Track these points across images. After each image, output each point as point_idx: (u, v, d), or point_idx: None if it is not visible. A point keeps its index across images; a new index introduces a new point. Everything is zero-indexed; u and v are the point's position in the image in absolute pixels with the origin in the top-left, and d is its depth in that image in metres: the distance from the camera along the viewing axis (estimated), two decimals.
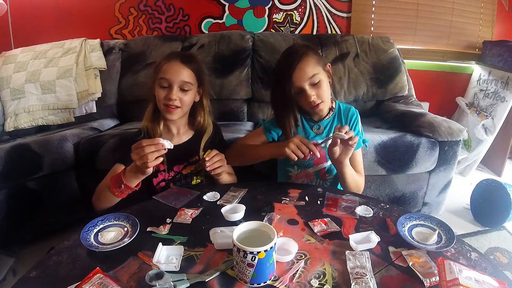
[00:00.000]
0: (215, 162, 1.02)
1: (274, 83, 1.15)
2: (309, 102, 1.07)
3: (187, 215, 0.89)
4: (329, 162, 1.17)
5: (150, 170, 0.90)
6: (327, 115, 1.18)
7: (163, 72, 1.09)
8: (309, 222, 0.85)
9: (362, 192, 1.13)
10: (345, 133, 0.95)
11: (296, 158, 0.99)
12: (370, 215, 0.88)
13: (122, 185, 0.92)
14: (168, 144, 0.89)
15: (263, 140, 1.20)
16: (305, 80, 1.05)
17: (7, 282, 1.36)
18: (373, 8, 2.44)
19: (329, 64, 1.15)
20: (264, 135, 1.19)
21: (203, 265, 0.70)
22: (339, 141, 0.98)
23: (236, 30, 2.36)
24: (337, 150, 1.00)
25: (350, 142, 0.96)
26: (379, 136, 1.59)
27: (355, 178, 1.10)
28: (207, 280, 0.65)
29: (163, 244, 0.73)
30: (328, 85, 1.11)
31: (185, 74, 1.09)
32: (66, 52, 2.09)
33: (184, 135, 1.20)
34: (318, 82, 1.06)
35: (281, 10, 2.44)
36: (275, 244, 0.63)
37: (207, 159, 1.01)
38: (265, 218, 0.86)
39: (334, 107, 1.19)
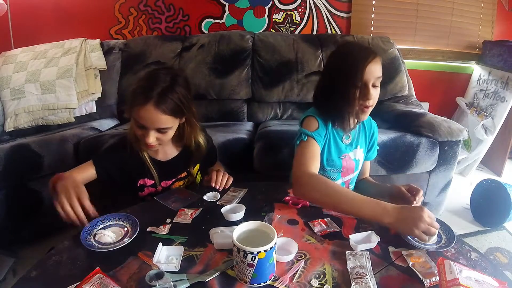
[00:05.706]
0: (224, 181, 1.05)
1: (341, 71, 1.01)
2: (365, 100, 1.00)
3: (187, 215, 0.89)
4: (355, 173, 1.16)
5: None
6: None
7: (137, 115, 0.95)
8: (309, 222, 0.85)
9: (362, 192, 1.13)
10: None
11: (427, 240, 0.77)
12: None
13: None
14: (110, 238, 0.79)
15: (317, 151, 1.03)
16: (375, 77, 0.99)
17: (7, 282, 1.35)
18: (373, 8, 2.44)
19: None
20: (317, 145, 1.01)
21: (203, 265, 0.70)
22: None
23: (236, 30, 2.36)
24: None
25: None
26: (379, 136, 1.57)
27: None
28: (207, 280, 0.65)
29: (163, 244, 0.73)
30: None
31: (161, 121, 0.96)
32: (66, 52, 2.09)
33: (170, 151, 1.13)
34: (378, 87, 1.02)
35: (281, 10, 2.44)
36: (275, 244, 0.63)
37: (213, 185, 1.03)
38: (265, 218, 0.86)
39: None
